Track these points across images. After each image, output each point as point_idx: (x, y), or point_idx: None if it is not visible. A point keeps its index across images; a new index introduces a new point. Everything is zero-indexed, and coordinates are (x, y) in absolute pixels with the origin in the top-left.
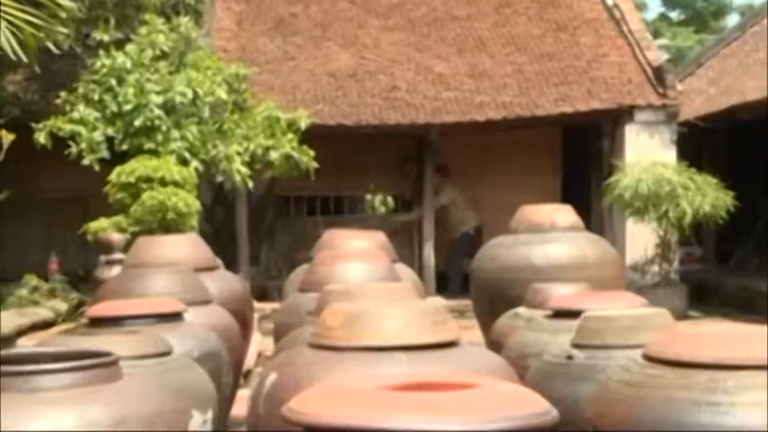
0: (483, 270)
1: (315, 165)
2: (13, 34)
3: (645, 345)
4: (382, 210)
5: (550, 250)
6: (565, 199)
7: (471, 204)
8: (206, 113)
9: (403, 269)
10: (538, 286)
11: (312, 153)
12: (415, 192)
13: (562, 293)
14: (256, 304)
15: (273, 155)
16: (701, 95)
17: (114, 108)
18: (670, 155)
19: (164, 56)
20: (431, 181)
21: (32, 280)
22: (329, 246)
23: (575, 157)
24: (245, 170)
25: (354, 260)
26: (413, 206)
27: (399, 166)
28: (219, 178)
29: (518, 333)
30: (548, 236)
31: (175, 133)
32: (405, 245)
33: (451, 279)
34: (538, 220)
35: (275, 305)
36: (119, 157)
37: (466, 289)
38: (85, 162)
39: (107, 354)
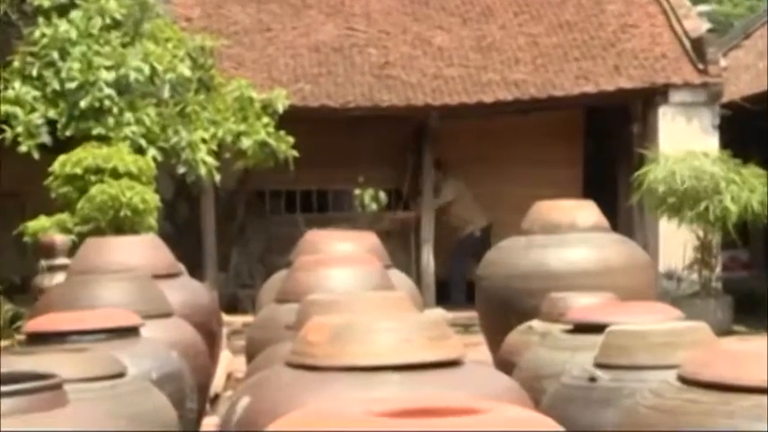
0: (491, 277)
1: (294, 154)
2: None
3: (680, 364)
4: (373, 207)
5: (570, 254)
6: (587, 194)
7: (478, 201)
8: (166, 93)
9: (397, 276)
10: (555, 296)
11: (291, 140)
12: (412, 186)
13: (583, 304)
14: (225, 317)
15: (246, 142)
16: (749, 72)
17: (56, 86)
18: (711, 142)
19: (115, 25)
20: (430, 174)
21: None
22: (311, 248)
23: (599, 145)
24: (212, 160)
25: (340, 265)
26: (409, 203)
27: (393, 155)
28: (182, 169)
29: (532, 350)
30: (566, 237)
31: (129, 116)
32: (399, 248)
33: (454, 288)
34: (555, 219)
35: (248, 318)
36: (62, 145)
37: (471, 299)
38: (22, 149)
39: (49, 376)
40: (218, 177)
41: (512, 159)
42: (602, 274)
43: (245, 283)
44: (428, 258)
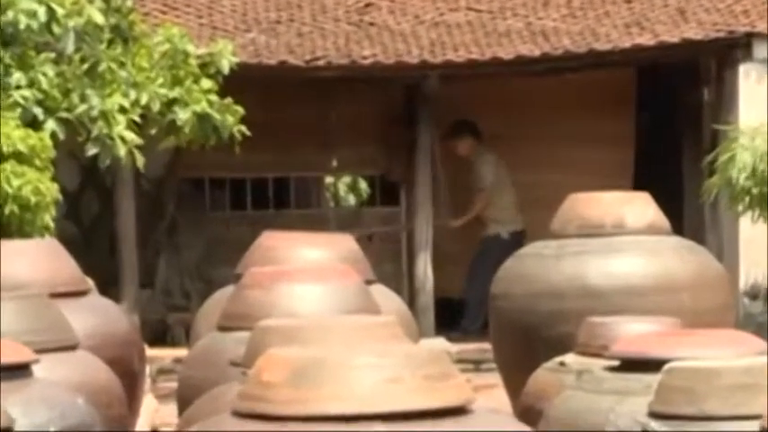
0: (509, 296)
1: (244, 129)
2: None
3: (763, 415)
4: (351, 200)
5: (616, 264)
6: (640, 183)
7: (513, 194)
8: (69, 46)
9: (383, 294)
10: (596, 321)
11: (240, 110)
12: (404, 171)
13: (634, 332)
14: (150, 350)
15: (179, 113)
16: None
17: None
18: None
19: None
20: (427, 154)
21: None
22: (266, 257)
23: (657, 117)
24: (133, 137)
25: (306, 280)
26: (400, 194)
27: (378, 130)
28: (92, 149)
29: (564, 394)
30: (611, 242)
31: (19, 76)
32: (387, 256)
33: (469, 310)
34: (596, 217)
35: (180, 352)
36: None
37: (485, 325)
38: None
39: None
40: (141, 160)
41: (537, 137)
42: (659, 292)
43: (177, 303)
44: (425, 270)
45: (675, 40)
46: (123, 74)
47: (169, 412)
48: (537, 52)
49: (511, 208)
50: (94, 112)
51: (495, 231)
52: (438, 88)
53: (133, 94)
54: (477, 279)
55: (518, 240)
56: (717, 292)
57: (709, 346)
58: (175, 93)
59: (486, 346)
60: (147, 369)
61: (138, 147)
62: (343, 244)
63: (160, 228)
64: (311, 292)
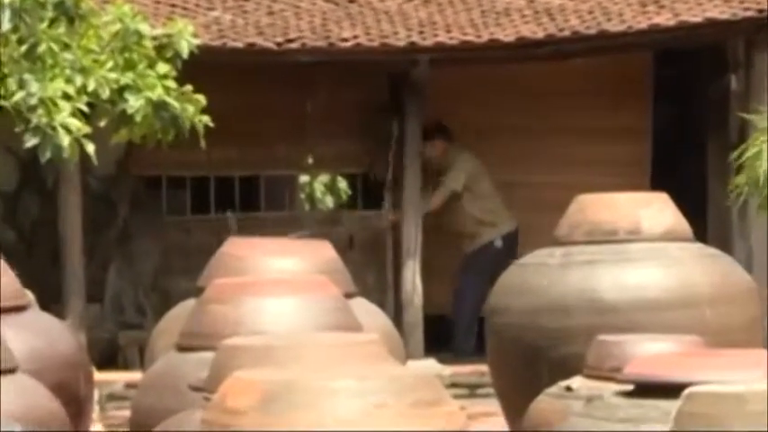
0: (508, 311)
1: (207, 121)
2: None
3: None
4: (329, 202)
5: (630, 275)
6: (658, 182)
7: (499, 194)
8: (4, 24)
9: (366, 309)
10: (607, 340)
11: (202, 100)
12: (389, 169)
13: (651, 352)
14: (99, 374)
15: (132, 101)
16: None
17: None
18: None
19: None
20: (415, 149)
21: None
22: (232, 267)
23: (677, 107)
24: (78, 125)
25: (277, 293)
26: (384, 196)
27: (360, 123)
28: (31, 141)
29: (571, 422)
30: (625, 249)
31: None
32: (370, 266)
33: (460, 328)
34: (607, 222)
35: (134, 375)
36: None
37: (482, 345)
38: None
39: None
40: (91, 149)
41: (540, 131)
42: (679, 307)
43: (130, 320)
44: (413, 281)
45: (698, 19)
46: (67, 57)
47: None
48: (540, 34)
49: (498, 209)
50: (33, 100)
51: (487, 239)
52: (428, 75)
53: (79, 80)
54: (467, 292)
55: (512, 242)
56: (744, 306)
57: (735, 368)
58: (127, 78)
59: (483, 368)
60: (96, 395)
61: (86, 137)
62: (320, 252)
63: (110, 233)
64: (283, 306)
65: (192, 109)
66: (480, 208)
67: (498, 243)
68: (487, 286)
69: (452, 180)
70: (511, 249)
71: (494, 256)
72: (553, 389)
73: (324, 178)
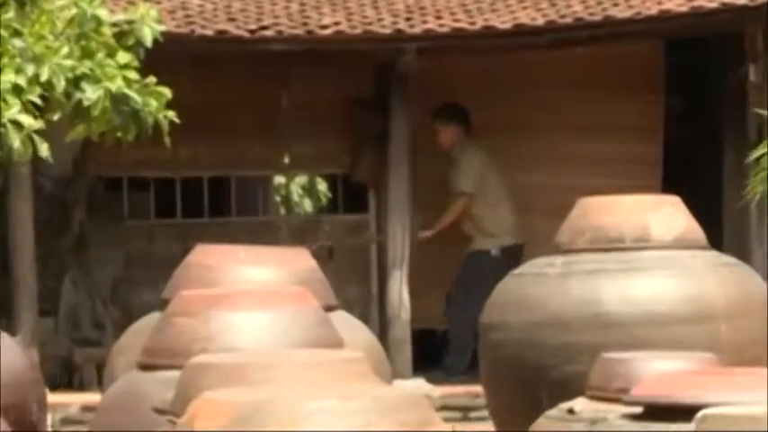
0: (505, 326)
1: (173, 116)
2: None
3: None
4: (307, 206)
5: (638, 287)
6: (669, 184)
7: (510, 202)
8: None
9: (348, 323)
10: (612, 358)
11: (167, 92)
12: (373, 170)
13: (661, 372)
14: (52, 395)
15: (89, 93)
16: None
17: None
18: None
19: None
20: (403, 148)
21: None
22: (201, 277)
23: (690, 101)
24: (30, 121)
25: (250, 306)
26: (368, 199)
27: (341, 119)
28: None
29: None
30: (633, 258)
31: None
32: (353, 276)
33: (455, 345)
34: (613, 227)
35: (90, 396)
36: None
37: (475, 363)
38: None
39: None
40: (44, 148)
41: (539, 127)
42: (691, 321)
43: (87, 336)
44: (400, 293)
45: (713, 4)
46: (18, 44)
47: None
48: (540, 20)
49: (504, 218)
50: None
51: (482, 246)
52: (416, 66)
53: (31, 70)
54: (462, 305)
55: (514, 257)
56: (763, 320)
57: (752, 388)
58: (84, 68)
59: (477, 389)
60: (49, 418)
61: (39, 133)
62: (298, 261)
63: (66, 240)
64: (257, 320)
65: (156, 103)
66: (481, 212)
67: (496, 252)
68: (483, 299)
69: (464, 182)
70: (510, 263)
71: (490, 265)
72: (553, 411)
73: (301, 180)
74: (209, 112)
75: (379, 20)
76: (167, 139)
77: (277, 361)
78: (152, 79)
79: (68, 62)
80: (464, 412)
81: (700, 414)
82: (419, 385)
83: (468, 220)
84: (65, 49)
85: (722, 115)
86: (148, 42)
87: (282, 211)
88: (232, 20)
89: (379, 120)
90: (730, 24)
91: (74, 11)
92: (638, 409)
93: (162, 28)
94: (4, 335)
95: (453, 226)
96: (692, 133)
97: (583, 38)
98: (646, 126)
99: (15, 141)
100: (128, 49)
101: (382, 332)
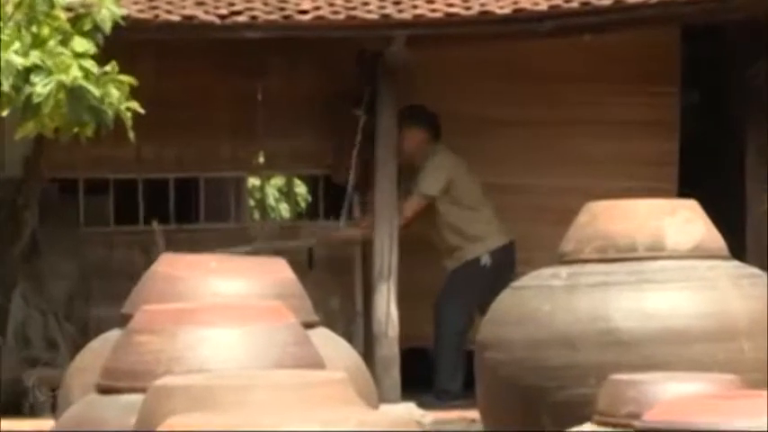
0: (504, 345)
1: (136, 107)
2: None
3: None
4: (284, 211)
5: (651, 300)
6: (686, 186)
7: (489, 202)
8: None
9: (329, 341)
10: (622, 379)
11: (130, 83)
12: (356, 171)
13: (676, 395)
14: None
15: (40, 86)
16: None
17: None
18: None
19: None
20: (390, 144)
21: None
22: (166, 290)
23: (709, 94)
24: None
25: (221, 321)
26: (352, 203)
27: (321, 114)
28: None
29: None
30: (646, 269)
31: None
32: (335, 289)
33: (443, 363)
34: (624, 235)
35: (43, 423)
36: None
37: (471, 385)
38: None
39: None
40: None
41: (542, 123)
42: (711, 338)
43: (39, 355)
44: (388, 308)
45: None
46: None
47: None
48: (543, 5)
49: (488, 218)
50: None
51: (472, 255)
52: (405, 56)
53: None
54: (450, 322)
55: (506, 259)
56: None
57: None
58: (35, 58)
59: (473, 414)
60: None
61: None
62: (274, 272)
63: (15, 250)
64: (228, 338)
65: (117, 95)
66: (462, 217)
67: (486, 260)
68: (474, 313)
69: (427, 184)
70: (503, 268)
71: (481, 276)
72: None
73: (278, 181)
74: (175, 107)
75: (365, 4)
76: (130, 135)
77: (251, 383)
78: (112, 68)
79: (18, 60)
80: None
81: None
82: (409, 410)
83: (450, 231)
84: (13, 39)
85: (744, 111)
86: (107, 28)
87: (257, 216)
88: (201, 4)
89: (364, 116)
90: (753, 10)
91: None
92: None
93: (122, 12)
94: None
95: (413, 225)
96: (710, 130)
97: (590, 24)
98: (660, 122)
99: None
100: (84, 35)
101: (368, 351)
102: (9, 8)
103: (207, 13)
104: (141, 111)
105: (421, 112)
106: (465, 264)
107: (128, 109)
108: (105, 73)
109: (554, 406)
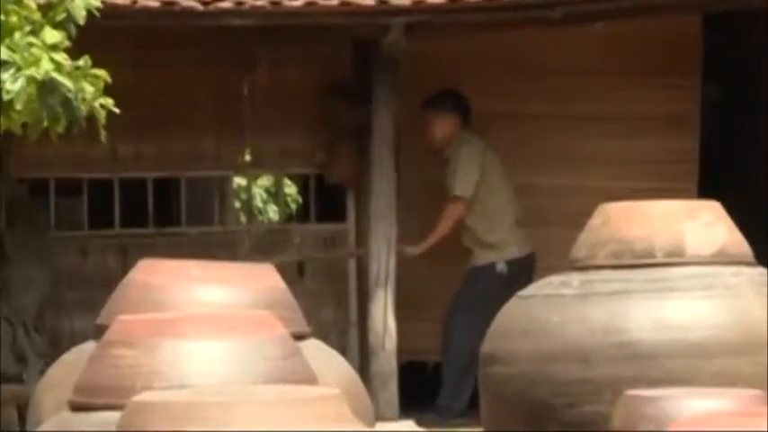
0: (511, 358)
1: (111, 105)
2: None
3: None
4: (272, 213)
5: (670, 310)
6: (708, 186)
7: (515, 207)
8: None
9: (322, 354)
10: (640, 395)
11: (106, 76)
12: (352, 169)
13: (697, 412)
14: None
15: (9, 82)
16: None
17: None
18: None
19: None
20: (386, 143)
21: None
22: (145, 299)
23: (731, 87)
24: None
25: (205, 333)
26: (346, 205)
27: (312, 109)
28: None
29: None
30: (665, 276)
31: None
32: (328, 298)
33: (447, 377)
34: (641, 239)
35: None
36: None
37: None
38: None
39: None
40: None
41: (555, 119)
42: (735, 351)
43: (7, 370)
44: (384, 319)
45: None
46: None
47: None
48: None
49: (509, 226)
50: None
51: (485, 261)
52: (404, 45)
53: None
54: (461, 334)
55: (525, 270)
56: None
57: None
58: (3, 52)
59: None
60: None
61: None
62: (262, 279)
63: None
64: (212, 351)
65: (91, 90)
66: (481, 221)
67: (502, 268)
68: (486, 324)
69: (462, 185)
70: (521, 278)
71: (495, 284)
72: None
73: (266, 181)
74: (154, 101)
75: None
76: (103, 134)
77: (236, 399)
78: (85, 61)
79: None
80: None
81: None
82: (407, 428)
83: (465, 232)
84: None
85: (765, 105)
86: (81, 18)
87: (243, 219)
88: None
89: (359, 110)
90: None
91: None
92: None
93: (97, 2)
94: None
95: (448, 237)
96: (732, 125)
97: (603, 11)
98: (679, 117)
99: None
100: (56, 25)
101: (363, 364)
102: None
103: None
104: (116, 110)
105: (452, 96)
106: (479, 267)
107: (101, 105)
108: (78, 68)
109: (565, 424)
